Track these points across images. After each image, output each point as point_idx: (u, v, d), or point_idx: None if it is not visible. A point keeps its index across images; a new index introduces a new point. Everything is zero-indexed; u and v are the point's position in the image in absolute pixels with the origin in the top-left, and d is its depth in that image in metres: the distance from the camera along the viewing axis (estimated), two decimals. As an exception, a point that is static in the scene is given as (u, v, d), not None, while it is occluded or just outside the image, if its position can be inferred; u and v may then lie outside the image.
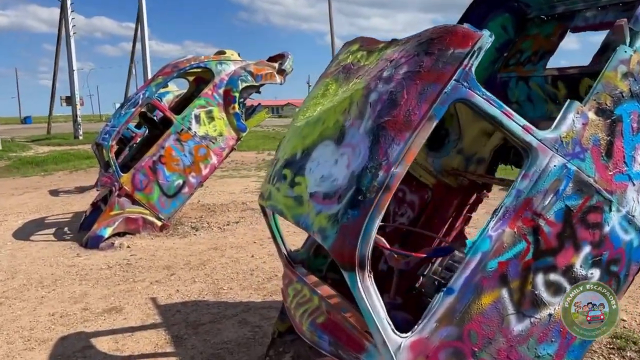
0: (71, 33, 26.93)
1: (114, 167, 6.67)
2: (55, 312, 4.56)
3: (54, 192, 11.91)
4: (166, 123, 7.84)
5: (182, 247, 6.37)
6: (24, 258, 6.18)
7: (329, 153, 2.24)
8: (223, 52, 7.53)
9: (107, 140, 6.67)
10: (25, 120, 75.30)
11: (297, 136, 2.57)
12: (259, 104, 8.10)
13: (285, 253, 2.97)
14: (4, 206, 10.24)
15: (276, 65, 7.63)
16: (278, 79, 7.55)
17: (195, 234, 6.91)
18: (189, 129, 7.01)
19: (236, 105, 7.23)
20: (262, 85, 7.46)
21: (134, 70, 36.02)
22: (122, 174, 6.71)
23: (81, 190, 11.92)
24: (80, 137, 27.85)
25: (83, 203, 10.05)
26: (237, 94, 7.20)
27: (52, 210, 9.41)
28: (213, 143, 7.16)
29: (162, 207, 6.93)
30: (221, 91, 7.20)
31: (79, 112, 28.69)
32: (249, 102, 7.98)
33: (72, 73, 27.67)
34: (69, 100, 30.14)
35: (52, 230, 7.71)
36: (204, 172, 7.15)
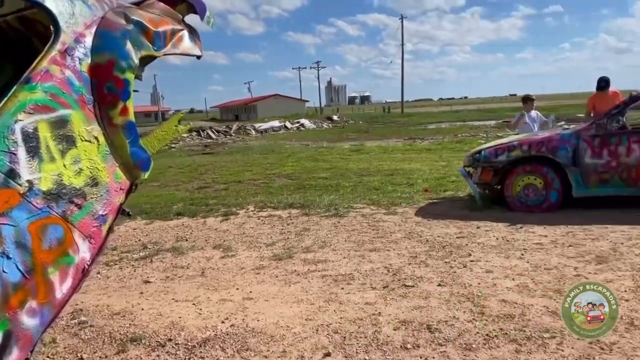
0: None
1: None
2: None
3: None
4: None
5: None
6: None
7: None
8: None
9: None
10: None
11: None
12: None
13: None
14: None
15: (179, 15, 3.44)
16: (194, 47, 3.38)
17: None
18: (12, 174, 2.26)
19: (129, 104, 2.80)
20: (162, 56, 3.19)
21: None
22: None
23: None
24: None
25: None
26: (130, 76, 2.78)
27: None
28: (79, 208, 2.55)
29: None
30: (84, 66, 2.65)
31: None
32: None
33: None
34: None
35: None
36: (59, 292, 2.45)
